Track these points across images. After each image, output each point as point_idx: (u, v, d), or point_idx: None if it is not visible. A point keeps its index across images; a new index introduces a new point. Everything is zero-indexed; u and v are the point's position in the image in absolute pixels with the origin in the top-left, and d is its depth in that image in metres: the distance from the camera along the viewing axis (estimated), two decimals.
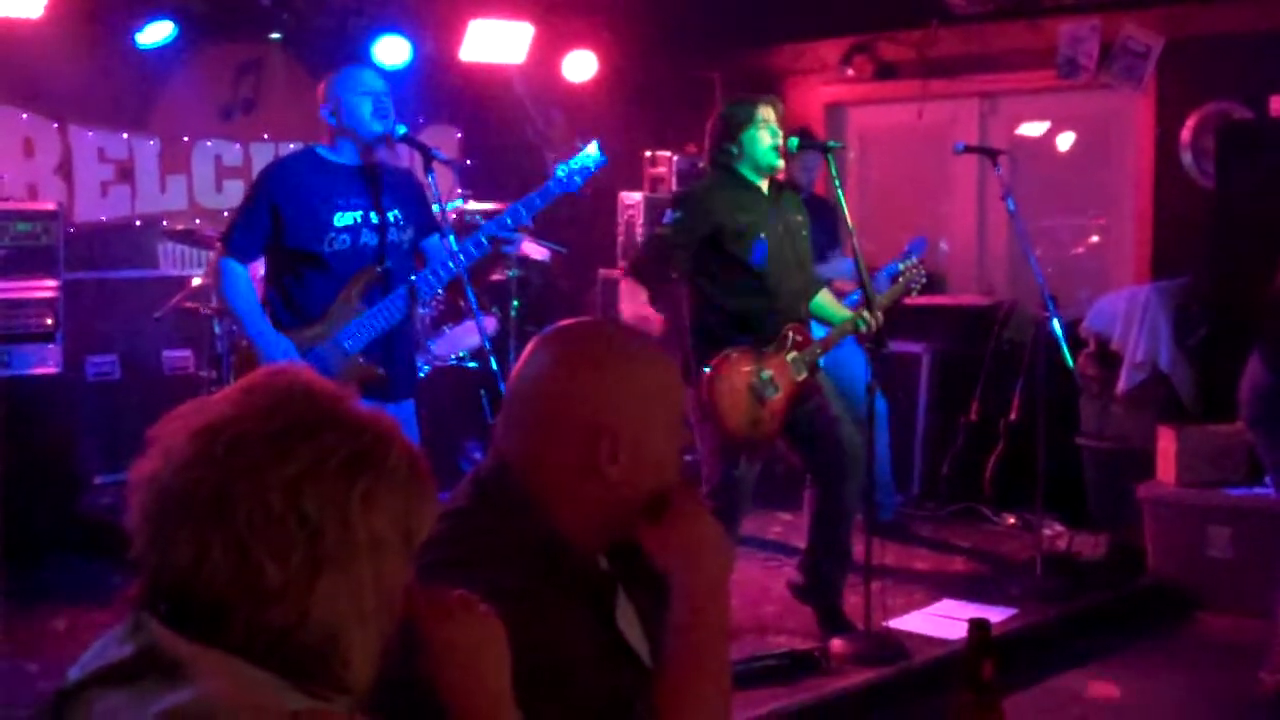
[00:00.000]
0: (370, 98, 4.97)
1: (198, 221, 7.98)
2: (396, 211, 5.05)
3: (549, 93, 9.25)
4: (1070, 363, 6.31)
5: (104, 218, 7.91)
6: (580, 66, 9.02)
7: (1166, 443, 6.64)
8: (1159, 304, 7.23)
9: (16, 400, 6.35)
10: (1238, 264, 6.64)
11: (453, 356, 7.46)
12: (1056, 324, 6.17)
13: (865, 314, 5.53)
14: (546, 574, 1.99)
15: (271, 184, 5.01)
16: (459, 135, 9.20)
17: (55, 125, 7.73)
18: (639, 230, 8.43)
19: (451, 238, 5.10)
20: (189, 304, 7.00)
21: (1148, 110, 8.00)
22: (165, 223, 7.90)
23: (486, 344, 5.14)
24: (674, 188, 8.47)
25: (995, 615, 5.80)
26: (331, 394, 1.58)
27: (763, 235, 5.48)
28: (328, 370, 4.80)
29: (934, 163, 8.93)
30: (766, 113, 5.53)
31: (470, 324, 6.95)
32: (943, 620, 5.90)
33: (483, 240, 5.06)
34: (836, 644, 5.42)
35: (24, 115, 7.61)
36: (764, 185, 5.57)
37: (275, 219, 4.95)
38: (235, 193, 8.23)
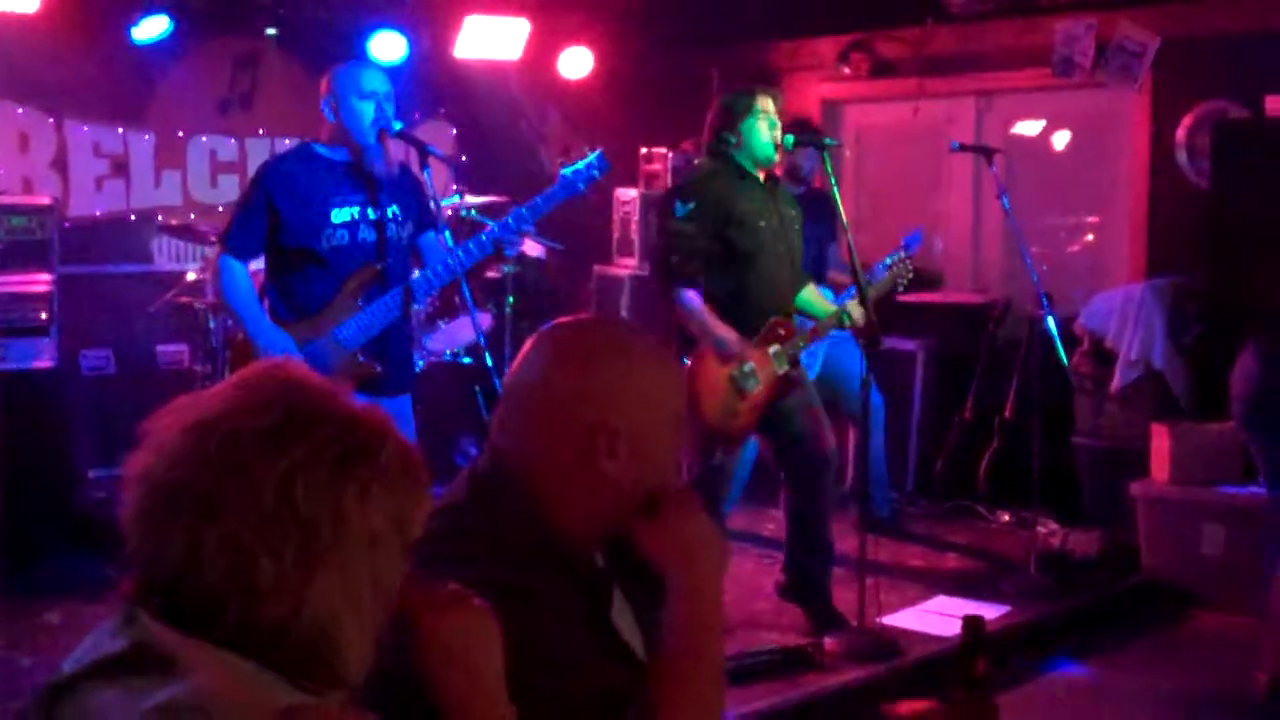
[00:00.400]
0: (372, 102, 4.96)
1: (192, 216, 7.98)
2: (395, 207, 5.05)
3: (545, 89, 9.24)
4: (1065, 360, 6.31)
5: (99, 212, 7.90)
6: (576, 63, 9.02)
7: (1160, 441, 6.65)
8: (1154, 302, 7.24)
9: (11, 394, 6.34)
10: (1233, 262, 6.64)
11: (448, 352, 7.46)
12: (1051, 322, 6.18)
13: (850, 309, 5.54)
14: (542, 570, 1.99)
15: (268, 181, 5.00)
16: (454, 131, 9.19)
17: (50, 119, 7.72)
18: (634, 227, 8.43)
19: (447, 234, 5.10)
20: (184, 299, 7.00)
21: (1143, 109, 8.00)
22: (160, 217, 7.90)
23: (482, 340, 5.13)
24: (669, 185, 8.45)
25: (989, 612, 5.81)
26: (325, 389, 1.58)
27: (761, 224, 5.49)
28: (325, 366, 4.80)
29: (930, 160, 8.93)
30: (766, 104, 5.53)
31: (465, 320, 6.93)
32: (936, 617, 5.90)
33: (486, 243, 5.06)
34: (829, 640, 5.42)
35: (19, 109, 7.60)
36: (760, 176, 5.58)
37: (273, 216, 4.95)
38: (230, 188, 8.23)
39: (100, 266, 7.57)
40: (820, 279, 6.99)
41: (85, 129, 7.85)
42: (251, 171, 5.41)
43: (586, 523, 2.05)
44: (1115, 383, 7.28)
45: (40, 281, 6.65)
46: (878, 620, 5.65)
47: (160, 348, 7.64)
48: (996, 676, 2.11)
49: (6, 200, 6.79)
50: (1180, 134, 7.80)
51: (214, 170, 8.32)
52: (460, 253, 5.00)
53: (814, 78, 9.25)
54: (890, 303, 6.53)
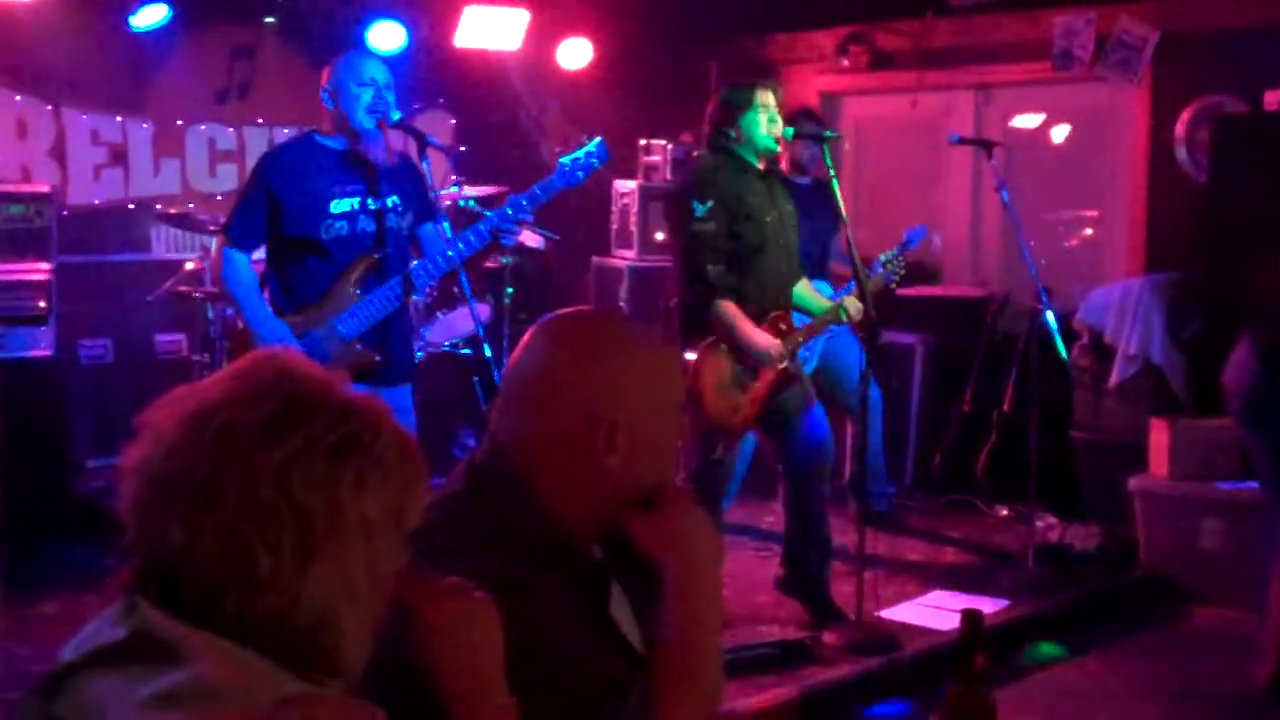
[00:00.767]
0: (370, 89, 4.96)
1: (191, 205, 7.96)
2: (394, 198, 5.05)
3: (544, 80, 9.24)
4: (1064, 355, 6.31)
5: (97, 201, 7.90)
6: (575, 54, 9.01)
7: (1159, 435, 6.65)
8: (1152, 297, 7.24)
9: (9, 383, 6.33)
10: (1231, 257, 6.64)
11: (446, 343, 7.46)
12: (1050, 316, 6.17)
13: (846, 305, 5.53)
14: (540, 561, 1.99)
15: (269, 172, 5.01)
16: (453, 121, 9.18)
17: (49, 108, 7.71)
18: (633, 218, 8.42)
19: (446, 224, 5.10)
20: (182, 288, 7.00)
21: (1142, 103, 7.99)
22: (158, 206, 7.89)
23: (480, 331, 5.13)
24: (668, 176, 8.46)
25: (987, 606, 5.81)
26: (321, 379, 1.58)
27: (766, 219, 5.49)
28: (323, 355, 4.80)
29: (929, 153, 8.92)
30: (765, 97, 5.53)
31: (464, 311, 6.93)
32: (934, 611, 5.91)
33: (483, 231, 5.05)
34: (828, 634, 5.42)
35: (17, 97, 7.59)
36: (760, 168, 5.57)
37: (273, 206, 4.95)
38: (229, 177, 8.22)
39: (99, 255, 7.56)
40: (823, 271, 6.99)
41: (84, 117, 7.84)
42: (250, 160, 5.43)
43: (585, 515, 2.05)
44: (1114, 377, 7.28)
45: (38, 270, 6.64)
46: (876, 614, 5.65)
47: (159, 337, 7.63)
48: (994, 671, 2.11)
49: (5, 188, 6.78)
50: (1179, 128, 7.80)
51: (212, 159, 8.31)
52: (459, 243, 5.00)
53: (812, 70, 9.24)
54: (889, 296, 6.52)
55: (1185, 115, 7.77)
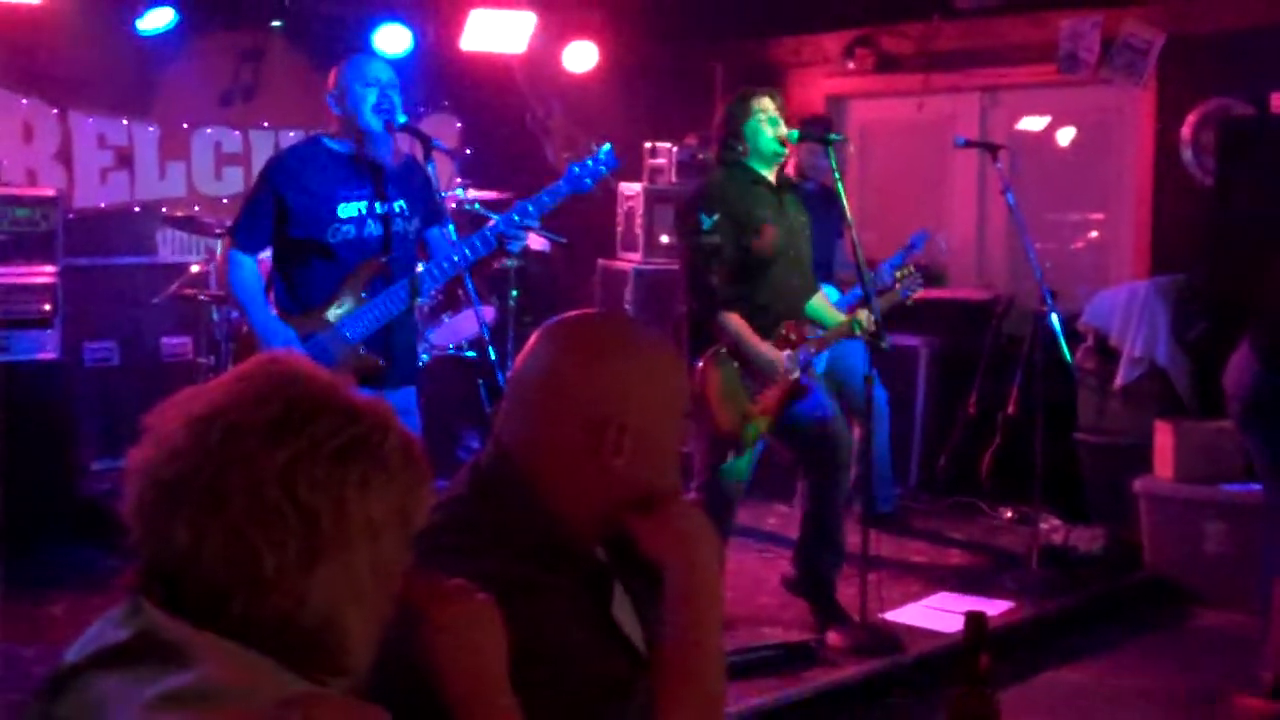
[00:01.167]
0: (375, 88, 4.96)
1: (197, 208, 7.98)
2: (402, 202, 5.05)
3: (549, 83, 9.24)
4: (1068, 357, 6.31)
5: (103, 204, 7.91)
6: (581, 57, 9.01)
7: (1164, 438, 6.65)
8: (1158, 299, 7.24)
9: (15, 386, 6.35)
10: (1237, 260, 6.63)
11: (451, 346, 7.46)
12: (1055, 318, 6.17)
13: (861, 317, 5.53)
14: (544, 563, 1.99)
15: (276, 175, 5.01)
16: (459, 125, 9.19)
17: (55, 111, 7.72)
18: (638, 221, 8.43)
19: (451, 228, 5.10)
20: (187, 290, 7.01)
21: (1148, 106, 7.99)
22: (164, 209, 7.90)
23: (485, 333, 5.13)
24: (673, 179, 8.46)
25: (992, 608, 5.81)
26: (326, 381, 1.58)
27: (775, 230, 5.49)
28: (328, 358, 4.80)
29: (934, 156, 8.93)
30: (764, 103, 5.53)
31: (469, 313, 6.94)
32: (939, 613, 5.91)
33: (490, 237, 5.05)
34: (832, 635, 5.42)
35: (24, 101, 7.60)
36: (771, 178, 5.57)
37: (280, 210, 4.95)
38: (234, 180, 8.23)
39: (104, 258, 7.56)
40: (829, 276, 6.99)
41: (90, 120, 7.85)
42: (256, 164, 5.43)
43: (589, 517, 2.05)
44: (1119, 379, 7.28)
45: (44, 273, 6.65)
46: (880, 616, 5.66)
47: (164, 340, 7.64)
48: (999, 673, 2.11)
49: (11, 192, 6.80)
50: (1185, 131, 7.80)
51: (218, 162, 8.32)
52: (465, 248, 5.00)
53: (819, 73, 9.25)
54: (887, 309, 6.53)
55: (1191, 117, 7.77)
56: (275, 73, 8.34)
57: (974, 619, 2.12)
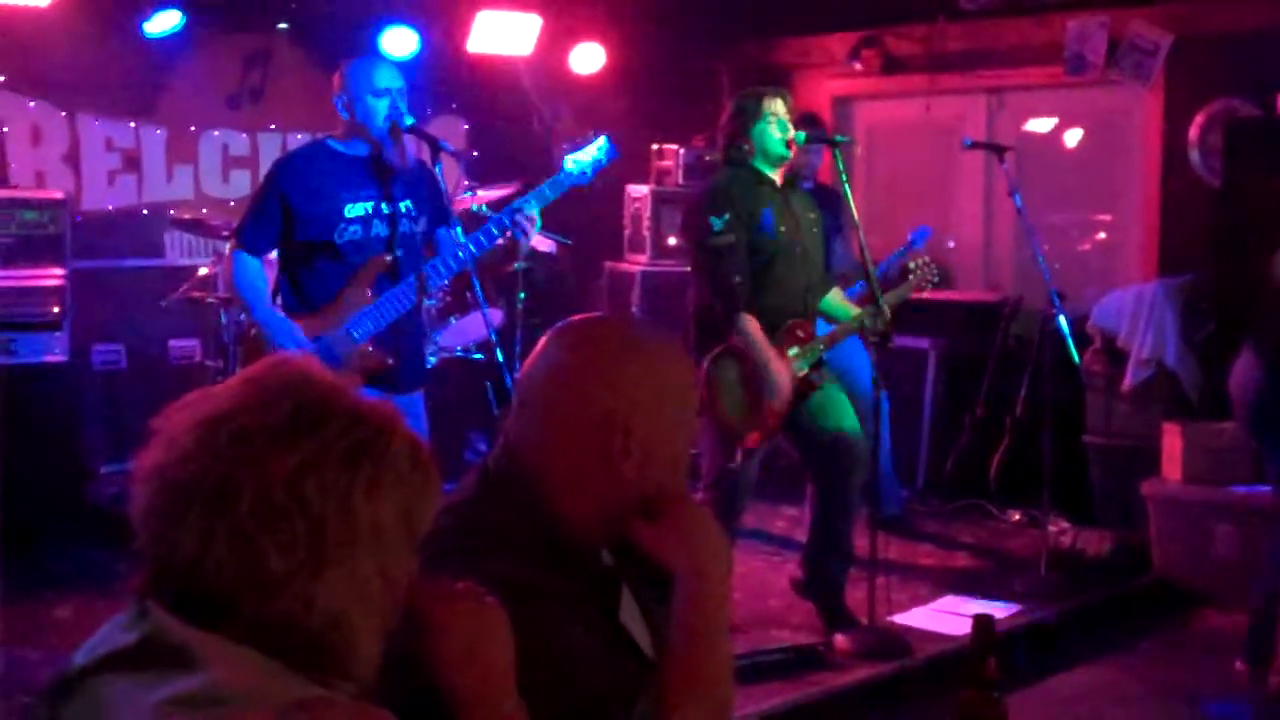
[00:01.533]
0: (386, 99, 4.96)
1: (204, 211, 7.98)
2: (408, 202, 5.05)
3: (556, 85, 9.24)
4: (1076, 359, 6.31)
5: (111, 207, 7.91)
6: (588, 59, 9.01)
7: (1172, 440, 6.64)
8: (1166, 301, 7.22)
9: (23, 388, 6.35)
10: (1244, 261, 6.62)
11: (459, 348, 7.46)
12: (1063, 320, 6.17)
13: (871, 312, 5.52)
14: (551, 566, 1.99)
15: (282, 177, 5.02)
16: (466, 127, 9.20)
17: (63, 114, 7.73)
18: (645, 223, 8.43)
19: (459, 229, 5.11)
20: (195, 293, 7.01)
21: (1155, 107, 7.99)
22: (172, 212, 7.90)
23: (493, 336, 5.14)
24: (680, 181, 8.46)
25: (999, 611, 5.80)
26: (334, 384, 1.58)
27: (782, 229, 5.48)
28: (335, 358, 4.81)
29: (941, 158, 8.92)
30: (774, 105, 5.53)
31: (477, 315, 6.93)
32: (946, 616, 5.90)
33: (493, 231, 5.06)
34: (840, 639, 5.42)
35: (31, 104, 7.61)
36: (777, 178, 5.57)
37: (286, 212, 4.96)
38: (242, 182, 8.24)
39: (112, 261, 7.57)
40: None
41: (97, 123, 7.86)
42: (264, 166, 5.43)
43: (597, 520, 2.05)
44: (1127, 381, 7.26)
45: (52, 276, 6.66)
46: (888, 619, 5.65)
47: (172, 342, 7.65)
48: (1007, 676, 2.11)
49: (19, 195, 6.80)
50: (1192, 132, 7.79)
51: (226, 165, 8.33)
52: (470, 244, 5.00)
53: (824, 74, 9.25)
54: (902, 300, 6.52)
55: (1198, 119, 7.76)
56: (282, 75, 8.34)
57: (982, 622, 2.11)
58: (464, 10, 8.39)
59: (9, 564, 5.64)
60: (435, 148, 5.00)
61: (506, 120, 9.23)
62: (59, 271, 6.68)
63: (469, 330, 7.39)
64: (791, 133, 5.53)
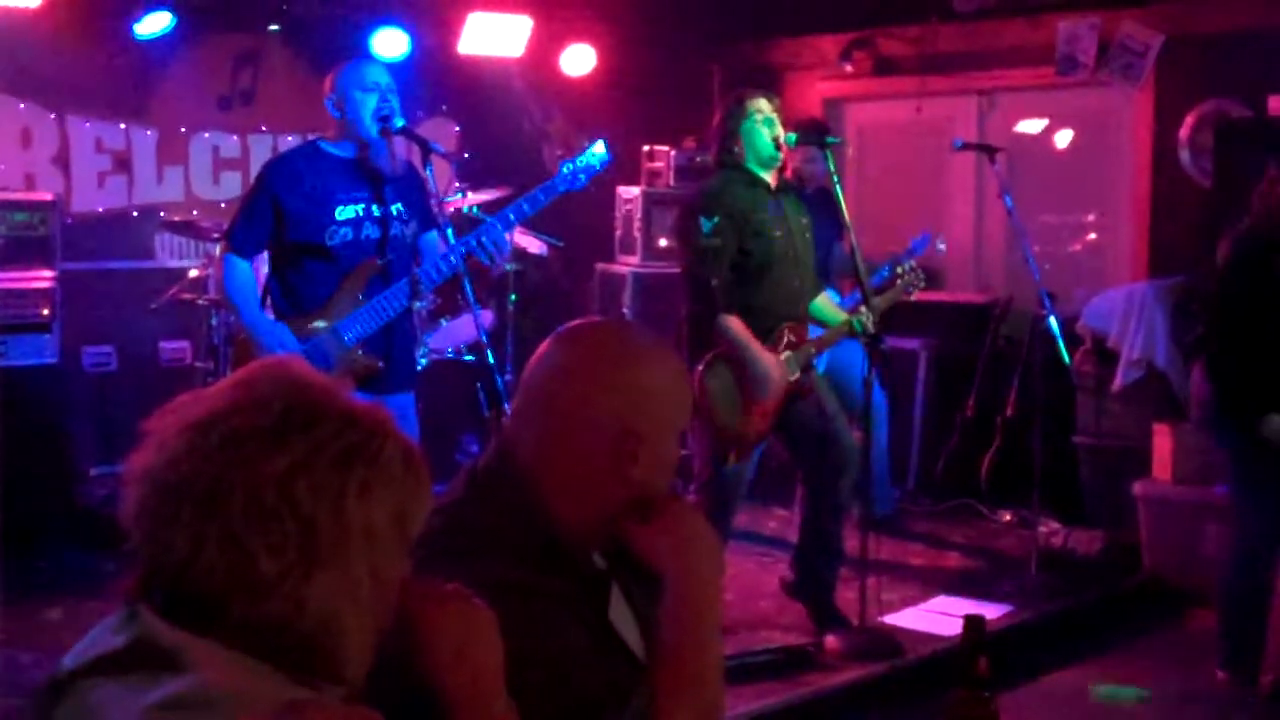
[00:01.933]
0: (375, 94, 4.96)
1: (195, 213, 7.96)
2: (399, 205, 5.05)
3: (547, 86, 9.24)
4: (1067, 360, 6.31)
5: (101, 208, 7.89)
6: (579, 60, 9.01)
7: (1162, 440, 6.65)
8: (1156, 302, 7.23)
9: (12, 390, 6.34)
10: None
11: (449, 350, 7.45)
12: (1053, 321, 6.18)
13: (862, 316, 5.53)
14: (541, 567, 1.99)
15: (272, 179, 5.01)
16: (457, 129, 9.18)
17: (52, 115, 7.71)
18: (637, 224, 8.43)
19: (450, 232, 5.10)
20: (186, 295, 7.00)
21: (1146, 108, 8.00)
22: (162, 214, 7.89)
23: (484, 338, 5.13)
24: (672, 183, 8.46)
25: (990, 612, 5.81)
26: (325, 387, 1.58)
27: (775, 234, 5.49)
28: (326, 361, 4.80)
29: (932, 159, 8.93)
30: (759, 104, 5.54)
31: (468, 317, 6.92)
32: (937, 616, 5.90)
33: (452, 259, 5.01)
34: (830, 639, 5.42)
35: (21, 105, 7.59)
36: (770, 180, 5.57)
37: (277, 213, 4.95)
38: (232, 184, 8.22)
39: (102, 263, 7.56)
40: (826, 279, 6.98)
41: (87, 125, 7.84)
42: (254, 168, 5.42)
43: (592, 522, 2.06)
44: (1117, 382, 7.27)
45: (42, 278, 6.65)
46: (879, 619, 5.65)
47: (162, 344, 7.64)
48: (997, 676, 2.11)
49: (8, 196, 6.79)
50: (1183, 133, 7.80)
51: (216, 166, 8.31)
52: (460, 250, 4.99)
53: (816, 75, 9.25)
54: (890, 305, 6.53)
55: (1189, 120, 7.77)
56: (273, 77, 8.33)
57: (973, 622, 2.12)
58: (455, 12, 8.38)
59: None
60: (426, 149, 5.00)
61: (498, 122, 9.22)
62: (49, 273, 6.67)
63: (460, 332, 7.38)
64: (780, 131, 5.54)
